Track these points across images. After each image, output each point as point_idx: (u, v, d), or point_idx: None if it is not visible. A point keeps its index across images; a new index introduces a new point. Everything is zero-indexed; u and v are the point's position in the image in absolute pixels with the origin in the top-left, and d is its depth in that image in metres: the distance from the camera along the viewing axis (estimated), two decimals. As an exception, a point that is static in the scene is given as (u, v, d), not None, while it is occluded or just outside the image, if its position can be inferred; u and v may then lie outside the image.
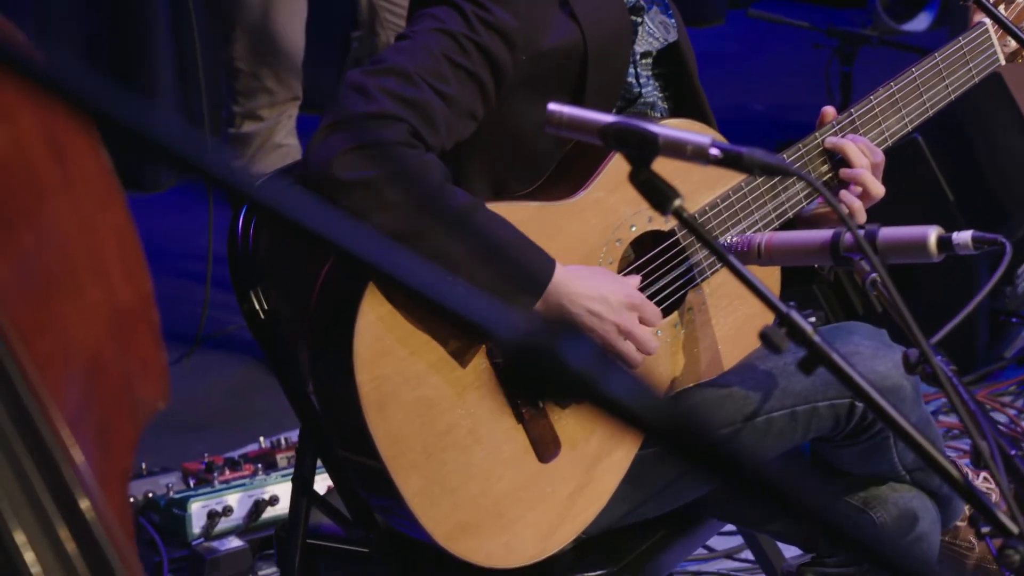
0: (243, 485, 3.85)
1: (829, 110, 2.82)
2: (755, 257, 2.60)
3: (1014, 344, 4.71)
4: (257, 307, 2.78)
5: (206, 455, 3.98)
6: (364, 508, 2.66)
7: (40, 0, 6.06)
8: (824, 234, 2.51)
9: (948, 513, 2.83)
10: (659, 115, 2.80)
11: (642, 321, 2.58)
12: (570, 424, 2.63)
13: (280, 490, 3.82)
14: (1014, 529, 1.79)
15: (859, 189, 2.75)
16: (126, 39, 6.27)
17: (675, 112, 2.85)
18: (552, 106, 1.98)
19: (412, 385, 2.51)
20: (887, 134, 2.83)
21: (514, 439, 2.59)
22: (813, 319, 4.38)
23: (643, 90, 2.76)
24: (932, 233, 2.43)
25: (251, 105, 4.83)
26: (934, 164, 4.45)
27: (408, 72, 2.50)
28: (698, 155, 1.89)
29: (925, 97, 2.84)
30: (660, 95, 2.82)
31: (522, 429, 2.59)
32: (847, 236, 2.47)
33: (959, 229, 4.47)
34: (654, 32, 2.79)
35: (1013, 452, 2.06)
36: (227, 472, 3.92)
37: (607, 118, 1.93)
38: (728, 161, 1.87)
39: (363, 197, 2.43)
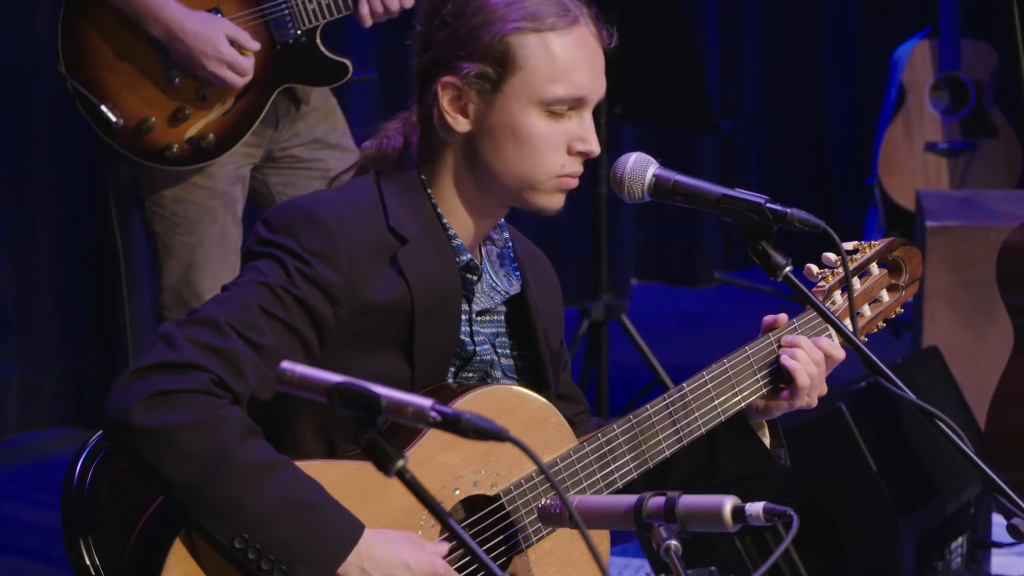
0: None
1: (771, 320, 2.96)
2: (566, 520, 2.58)
3: (946, 625, 4.60)
4: (88, 562, 2.75)
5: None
6: None
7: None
8: (629, 500, 2.50)
9: None
10: (499, 373, 2.79)
11: None
12: None
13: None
14: None
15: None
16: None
17: (522, 369, 2.85)
18: (284, 364, 1.99)
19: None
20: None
21: None
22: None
23: (478, 348, 2.75)
24: (727, 503, 2.43)
25: None
26: (858, 434, 4.41)
27: (218, 322, 2.53)
28: (419, 418, 1.90)
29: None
30: (507, 352, 2.80)
31: None
32: (650, 502, 2.48)
33: (884, 502, 4.43)
34: (497, 286, 2.78)
35: None
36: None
37: (335, 378, 1.95)
38: (446, 425, 1.88)
39: (156, 445, 2.45)
